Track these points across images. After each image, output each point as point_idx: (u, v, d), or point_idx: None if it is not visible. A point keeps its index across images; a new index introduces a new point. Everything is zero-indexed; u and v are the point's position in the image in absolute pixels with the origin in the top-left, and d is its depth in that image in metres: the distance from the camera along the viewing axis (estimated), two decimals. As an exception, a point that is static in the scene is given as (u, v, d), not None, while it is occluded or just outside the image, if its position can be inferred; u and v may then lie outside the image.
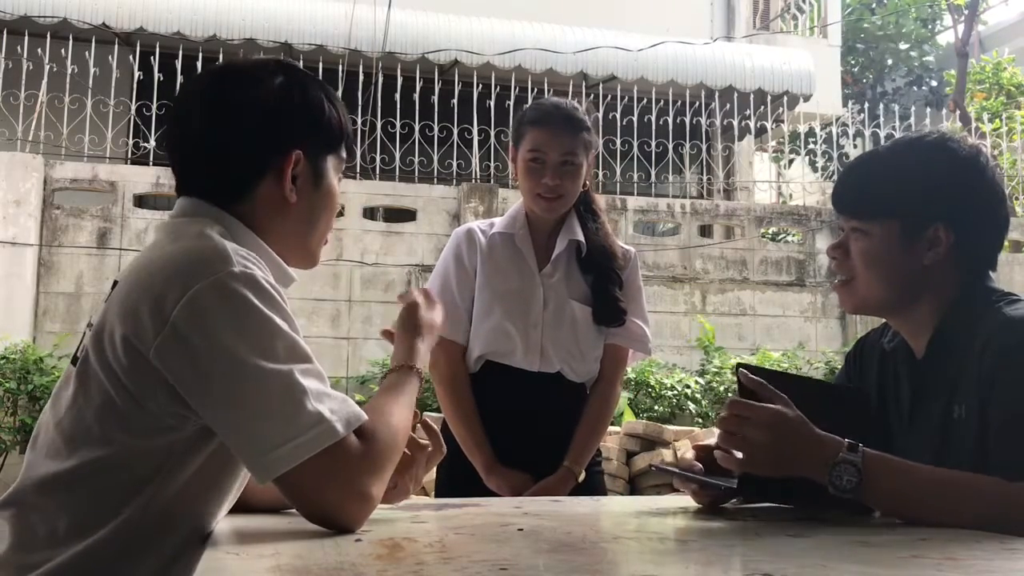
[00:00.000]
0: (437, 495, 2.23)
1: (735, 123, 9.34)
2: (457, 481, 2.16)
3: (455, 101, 8.40)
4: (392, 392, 1.26)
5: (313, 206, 1.31)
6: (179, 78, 7.80)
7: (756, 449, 1.25)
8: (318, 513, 1.12)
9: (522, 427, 2.16)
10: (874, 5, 15.72)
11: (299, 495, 1.11)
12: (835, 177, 9.19)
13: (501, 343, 2.17)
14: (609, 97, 8.85)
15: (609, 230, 2.30)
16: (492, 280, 2.21)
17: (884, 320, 1.57)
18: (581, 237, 2.23)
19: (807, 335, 8.49)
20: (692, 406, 7.28)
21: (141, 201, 7.58)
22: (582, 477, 2.16)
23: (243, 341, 1.09)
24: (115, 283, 1.23)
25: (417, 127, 8.28)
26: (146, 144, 7.84)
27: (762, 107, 9.37)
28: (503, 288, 2.20)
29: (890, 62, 15.42)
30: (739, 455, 1.26)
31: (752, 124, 9.35)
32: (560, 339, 2.18)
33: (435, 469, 2.11)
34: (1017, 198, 10.39)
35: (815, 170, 9.77)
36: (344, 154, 1.36)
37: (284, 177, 1.26)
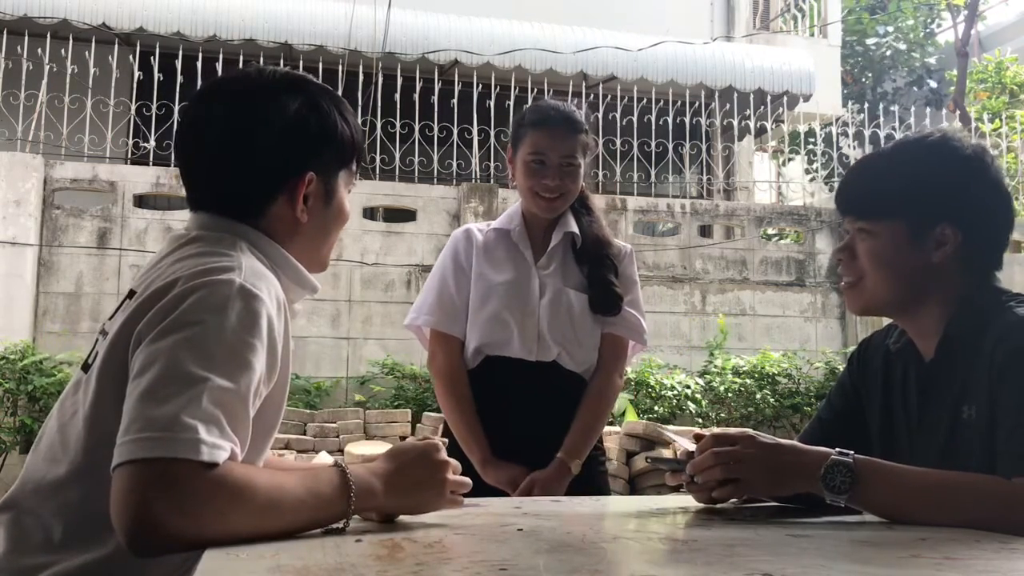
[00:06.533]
0: None
1: (735, 123, 9.35)
2: None
3: (455, 101, 8.40)
4: (306, 482, 1.08)
5: (323, 223, 1.34)
6: (179, 78, 7.80)
7: (751, 472, 1.29)
8: (123, 515, 0.98)
9: (521, 420, 2.17)
10: (874, 4, 15.71)
11: (124, 490, 0.99)
12: (835, 177, 9.22)
13: (498, 332, 2.19)
14: (609, 97, 8.85)
15: (603, 223, 2.34)
16: (488, 273, 2.24)
17: (887, 320, 1.57)
18: (576, 230, 2.27)
19: (807, 335, 8.50)
20: (692, 406, 7.29)
21: (141, 201, 7.58)
22: (576, 469, 2.16)
23: (194, 337, 1.07)
24: (131, 292, 1.23)
25: (417, 127, 8.29)
26: (146, 144, 7.84)
27: (762, 107, 9.37)
28: (499, 279, 2.23)
29: (890, 61, 15.41)
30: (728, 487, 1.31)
31: (752, 124, 9.35)
32: (557, 326, 2.20)
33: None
34: (1017, 198, 10.39)
35: (814, 169, 9.77)
36: (355, 167, 1.38)
37: (297, 199, 1.28)
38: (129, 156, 8.32)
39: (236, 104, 1.28)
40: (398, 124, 8.26)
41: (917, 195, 1.43)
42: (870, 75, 15.40)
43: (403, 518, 1.20)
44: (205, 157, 1.28)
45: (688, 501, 1.45)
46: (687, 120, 9.04)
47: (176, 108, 7.75)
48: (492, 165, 8.57)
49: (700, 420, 7.31)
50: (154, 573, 1.11)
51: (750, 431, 1.35)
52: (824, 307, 8.59)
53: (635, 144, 8.76)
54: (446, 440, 1.24)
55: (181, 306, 1.09)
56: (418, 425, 6.69)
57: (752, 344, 8.30)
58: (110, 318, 1.24)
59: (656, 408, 7.18)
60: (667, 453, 5.92)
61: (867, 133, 9.60)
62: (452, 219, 7.92)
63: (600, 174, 9.15)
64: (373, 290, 7.71)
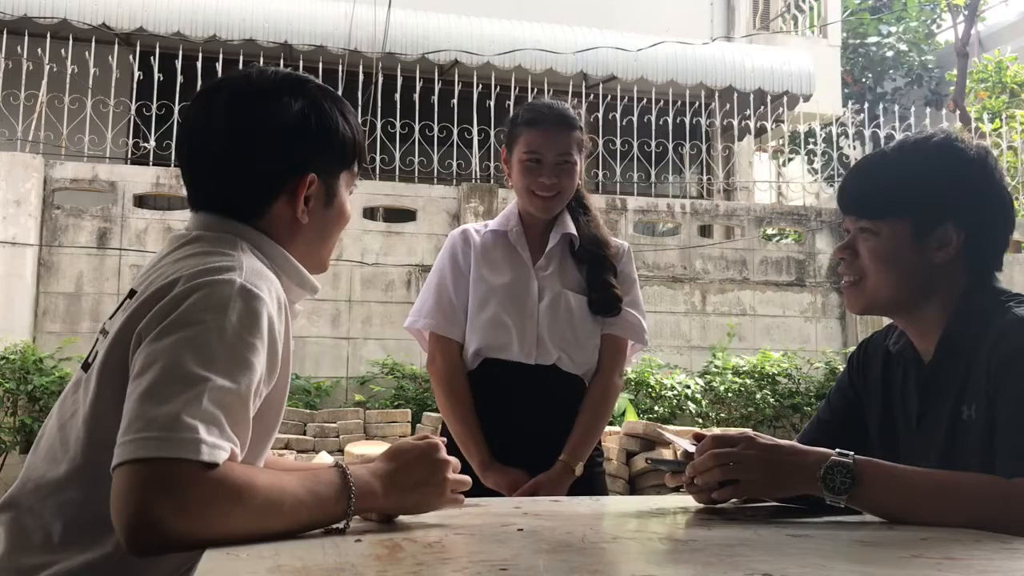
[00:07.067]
0: None
1: (735, 123, 9.35)
2: None
3: (455, 101, 8.40)
4: (306, 483, 1.08)
5: (323, 224, 1.34)
6: (179, 78, 7.80)
7: (751, 473, 1.29)
8: (123, 515, 0.97)
9: (520, 423, 2.17)
10: (873, 3, 15.70)
11: (124, 489, 0.98)
12: (835, 177, 9.18)
13: (498, 335, 2.19)
14: (609, 97, 8.85)
15: (600, 222, 2.34)
16: (486, 275, 2.24)
17: (886, 320, 1.56)
18: (573, 230, 2.27)
19: (807, 335, 8.50)
20: (692, 406, 7.29)
21: (141, 201, 7.59)
22: (580, 471, 2.16)
23: (195, 337, 1.07)
24: (132, 292, 1.22)
25: (417, 127, 8.29)
26: (146, 144, 7.84)
27: (762, 107, 9.37)
28: (497, 282, 2.23)
29: (890, 61, 15.41)
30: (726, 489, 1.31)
31: (752, 124, 9.35)
32: (557, 328, 2.20)
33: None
34: (1017, 198, 10.39)
35: (815, 169, 9.77)
36: (356, 168, 1.37)
37: (297, 200, 1.28)
38: (129, 156, 8.32)
39: (237, 104, 1.27)
40: (398, 124, 8.26)
41: (923, 195, 1.43)
42: (870, 75, 15.39)
43: (403, 518, 1.20)
44: (206, 157, 1.28)
45: (688, 501, 1.45)
46: (687, 120, 9.04)
47: (176, 108, 7.75)
48: (492, 165, 8.57)
49: (700, 420, 7.31)
50: (154, 573, 1.11)
51: (750, 432, 1.35)
52: (824, 307, 8.59)
53: (635, 144, 8.76)
54: (444, 439, 1.24)
55: (182, 306, 1.09)
56: (418, 425, 6.69)
57: (752, 344, 8.31)
58: (110, 317, 1.24)
59: (656, 408, 7.18)
60: (667, 453, 5.92)
61: (867, 133, 9.61)
62: (452, 219, 7.92)
63: (600, 174, 9.15)
64: (373, 290, 7.71)
